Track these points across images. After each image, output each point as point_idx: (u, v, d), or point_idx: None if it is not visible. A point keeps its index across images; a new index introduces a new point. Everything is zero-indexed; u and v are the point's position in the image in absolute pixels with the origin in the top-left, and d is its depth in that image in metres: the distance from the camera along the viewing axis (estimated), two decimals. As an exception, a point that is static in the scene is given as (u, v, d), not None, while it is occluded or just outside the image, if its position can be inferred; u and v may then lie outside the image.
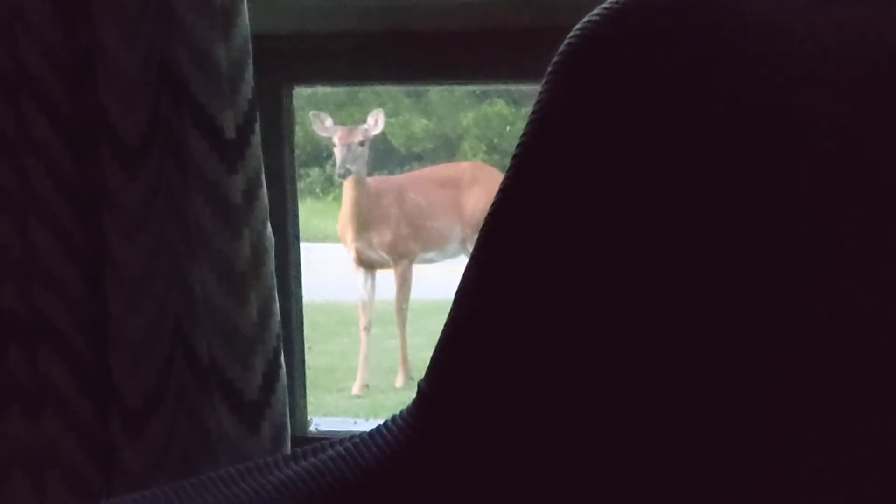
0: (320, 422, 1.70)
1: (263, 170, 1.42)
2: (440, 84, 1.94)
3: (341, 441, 1.06)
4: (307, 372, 1.66)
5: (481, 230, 1.10)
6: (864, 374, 0.91)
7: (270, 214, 1.43)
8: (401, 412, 1.09)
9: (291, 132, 1.60)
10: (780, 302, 0.93)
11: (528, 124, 1.09)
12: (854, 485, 0.90)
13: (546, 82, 1.07)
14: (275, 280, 1.43)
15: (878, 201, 0.92)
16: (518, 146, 1.08)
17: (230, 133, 1.38)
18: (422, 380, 1.09)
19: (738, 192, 0.95)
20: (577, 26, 1.08)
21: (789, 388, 0.92)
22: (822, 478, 0.91)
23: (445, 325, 1.09)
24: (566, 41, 1.08)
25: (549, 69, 1.07)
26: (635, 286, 1.00)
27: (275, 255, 1.44)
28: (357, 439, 1.05)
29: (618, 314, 1.01)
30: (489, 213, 1.10)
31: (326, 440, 1.07)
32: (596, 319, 1.01)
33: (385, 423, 1.08)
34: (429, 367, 1.09)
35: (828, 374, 0.91)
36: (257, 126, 1.40)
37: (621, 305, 1.00)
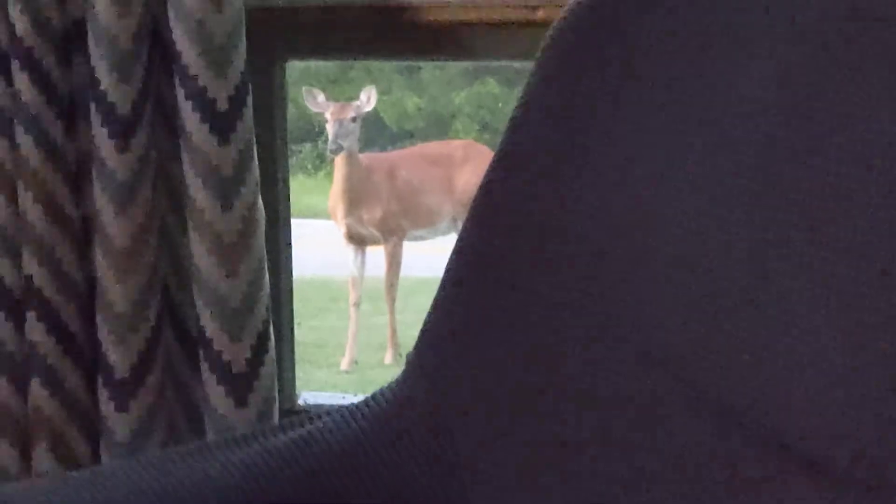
0: (309, 396, 1.70)
1: (255, 143, 1.41)
2: (435, 60, 1.93)
3: (329, 412, 1.06)
4: (296, 347, 1.66)
5: (473, 200, 1.10)
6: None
7: (261, 188, 1.43)
8: (389, 384, 1.09)
9: (284, 106, 1.59)
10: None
11: (520, 97, 1.09)
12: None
13: (540, 56, 1.07)
14: (265, 253, 1.43)
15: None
16: (511, 119, 1.08)
17: (222, 105, 1.37)
18: (411, 351, 1.10)
19: (734, 161, 0.95)
20: (572, 1, 1.08)
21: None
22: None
23: (436, 297, 1.09)
24: (560, 15, 1.08)
25: (543, 44, 1.07)
26: (628, 256, 1.00)
27: (265, 229, 1.44)
28: (345, 410, 1.06)
29: (611, 286, 1.01)
30: (482, 184, 1.10)
31: (315, 412, 1.07)
32: (588, 291, 1.02)
33: (374, 394, 1.08)
34: (418, 339, 1.09)
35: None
36: (249, 98, 1.40)
37: (612, 274, 1.01)
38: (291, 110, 1.55)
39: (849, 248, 0.86)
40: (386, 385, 1.09)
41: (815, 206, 0.88)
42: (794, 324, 0.88)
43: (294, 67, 1.67)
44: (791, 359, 0.89)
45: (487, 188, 1.10)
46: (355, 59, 2.04)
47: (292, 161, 1.62)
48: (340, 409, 1.06)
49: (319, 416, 1.05)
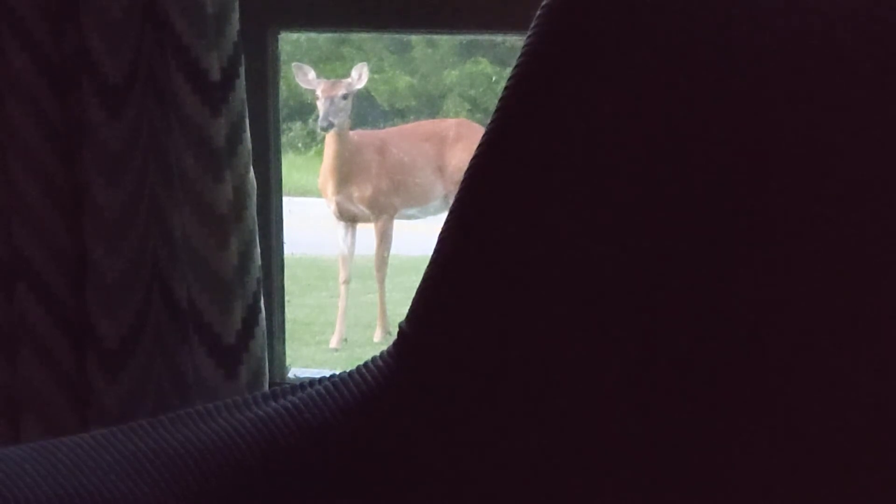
0: (298, 372, 1.70)
1: (247, 114, 1.41)
2: (428, 32, 1.93)
3: (320, 380, 1.06)
4: (286, 324, 1.66)
5: (463, 179, 1.10)
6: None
7: (253, 161, 1.42)
8: (381, 353, 1.09)
9: (276, 78, 1.59)
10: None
11: (513, 71, 1.08)
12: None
13: (533, 27, 1.07)
14: (256, 225, 1.43)
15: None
16: (503, 92, 1.08)
17: (214, 75, 1.37)
18: (402, 321, 1.10)
19: (732, 137, 0.95)
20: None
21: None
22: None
23: (427, 268, 1.09)
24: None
25: (537, 13, 1.07)
26: (618, 236, 1.00)
27: (256, 203, 1.43)
28: (336, 378, 1.05)
29: (597, 262, 1.01)
30: (471, 163, 1.10)
31: (306, 380, 1.07)
32: (574, 266, 1.02)
33: (366, 363, 1.08)
34: (410, 309, 1.09)
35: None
36: (242, 69, 1.40)
37: (601, 253, 1.01)
38: (282, 88, 1.54)
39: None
40: (378, 355, 1.09)
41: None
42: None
43: (285, 43, 1.65)
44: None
45: (477, 167, 1.09)
46: (348, 31, 2.03)
47: (283, 140, 1.61)
48: (331, 378, 1.06)
49: (311, 384, 1.05)
